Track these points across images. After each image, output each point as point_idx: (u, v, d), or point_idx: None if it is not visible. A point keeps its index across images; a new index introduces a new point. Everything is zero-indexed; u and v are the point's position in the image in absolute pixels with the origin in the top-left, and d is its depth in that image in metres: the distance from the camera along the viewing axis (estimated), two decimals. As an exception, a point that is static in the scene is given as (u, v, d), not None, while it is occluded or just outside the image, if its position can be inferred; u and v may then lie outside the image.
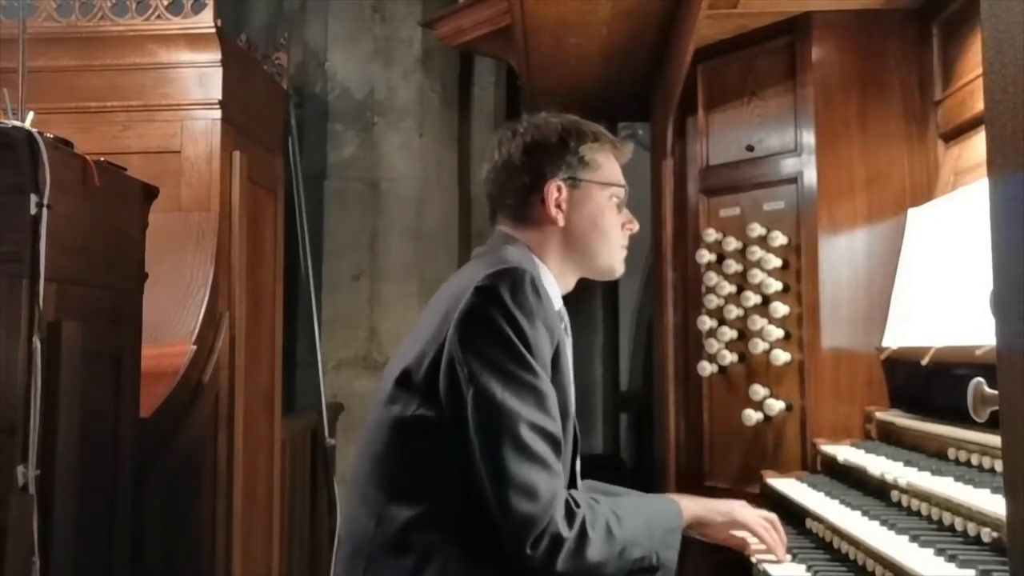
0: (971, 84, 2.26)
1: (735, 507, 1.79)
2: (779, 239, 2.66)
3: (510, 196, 1.76)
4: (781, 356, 2.61)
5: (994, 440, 1.74)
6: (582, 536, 1.51)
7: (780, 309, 2.62)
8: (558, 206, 1.73)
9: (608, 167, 1.79)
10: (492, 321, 1.54)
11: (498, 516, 1.50)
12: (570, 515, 1.51)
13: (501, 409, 1.50)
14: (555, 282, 1.74)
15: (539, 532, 1.48)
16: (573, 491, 1.58)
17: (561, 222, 1.73)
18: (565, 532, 1.50)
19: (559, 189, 1.73)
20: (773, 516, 1.85)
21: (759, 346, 2.64)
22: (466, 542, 1.54)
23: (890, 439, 2.29)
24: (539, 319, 1.55)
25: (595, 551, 1.53)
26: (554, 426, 1.55)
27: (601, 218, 1.76)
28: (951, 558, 1.46)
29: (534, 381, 1.53)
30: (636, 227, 1.82)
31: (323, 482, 4.30)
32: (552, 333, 1.58)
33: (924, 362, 2.09)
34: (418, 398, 1.58)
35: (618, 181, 1.80)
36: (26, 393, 2.02)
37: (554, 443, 1.54)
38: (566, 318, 1.76)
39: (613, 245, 1.78)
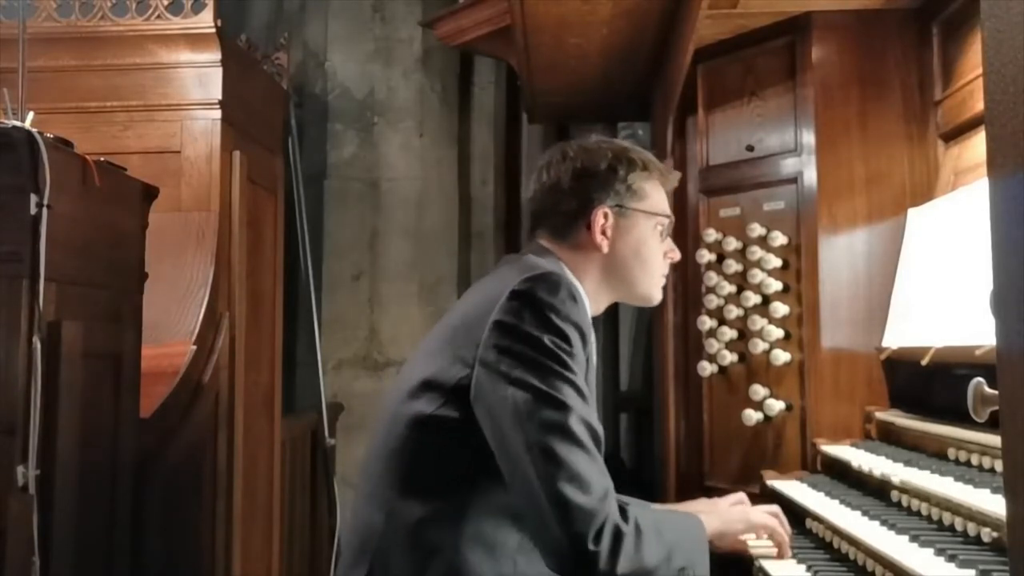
0: (971, 84, 2.26)
1: (749, 514, 1.79)
2: (779, 239, 2.66)
3: (556, 218, 1.77)
4: (781, 356, 2.61)
5: (994, 440, 1.74)
6: (638, 534, 1.48)
7: (780, 309, 2.62)
8: (603, 233, 1.73)
9: (655, 196, 1.79)
10: (528, 324, 1.53)
11: (551, 513, 1.44)
12: (623, 512, 1.49)
13: (545, 399, 1.48)
14: (589, 303, 1.73)
15: (599, 526, 1.44)
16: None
17: (605, 249, 1.74)
18: (624, 527, 1.46)
19: (606, 216, 1.73)
20: (776, 508, 1.87)
21: (759, 346, 2.64)
22: (475, 544, 1.54)
23: (890, 439, 2.29)
24: (573, 323, 1.55)
25: (650, 552, 1.49)
26: (595, 421, 1.54)
27: (645, 247, 1.77)
28: (951, 558, 1.46)
29: (573, 378, 1.52)
30: (678, 256, 1.84)
31: (323, 482, 4.30)
32: (586, 340, 1.58)
33: (924, 362, 2.09)
34: (443, 397, 1.57)
35: (664, 211, 1.80)
36: (26, 393, 2.02)
37: (598, 442, 1.52)
38: (594, 341, 1.75)
39: (654, 274, 1.79)
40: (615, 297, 1.81)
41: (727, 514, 1.78)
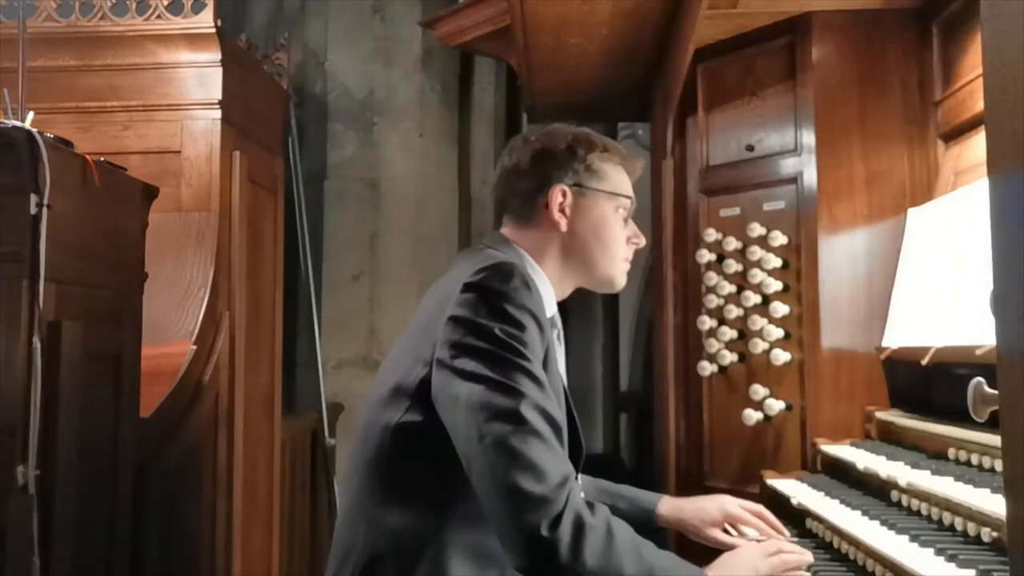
0: (971, 84, 2.27)
1: (759, 569, 1.62)
2: (779, 239, 2.66)
3: (516, 199, 1.76)
4: (781, 356, 2.61)
5: (994, 440, 1.74)
6: (610, 533, 1.42)
7: (780, 309, 2.62)
8: (562, 211, 1.72)
9: (616, 178, 1.78)
10: (481, 315, 1.51)
11: (506, 505, 1.40)
12: (591, 506, 1.44)
13: (500, 391, 1.44)
14: (551, 287, 1.73)
15: (556, 513, 1.38)
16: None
17: (564, 227, 1.72)
18: (588, 518, 1.41)
19: (564, 194, 1.72)
20: (783, 545, 1.74)
21: (759, 346, 2.64)
22: (456, 550, 1.52)
23: (890, 439, 2.29)
24: (528, 312, 1.53)
25: (627, 560, 1.42)
26: (555, 411, 1.49)
27: (604, 228, 1.75)
28: (951, 558, 1.46)
29: (528, 366, 1.48)
30: (642, 242, 1.81)
31: (323, 482, 4.30)
32: (542, 329, 1.56)
33: (924, 362, 2.09)
34: (407, 402, 1.55)
35: (626, 192, 1.79)
36: (26, 393, 2.02)
37: (556, 429, 1.48)
38: (559, 326, 1.75)
39: (615, 257, 1.77)
40: (578, 281, 1.79)
41: (735, 570, 1.63)
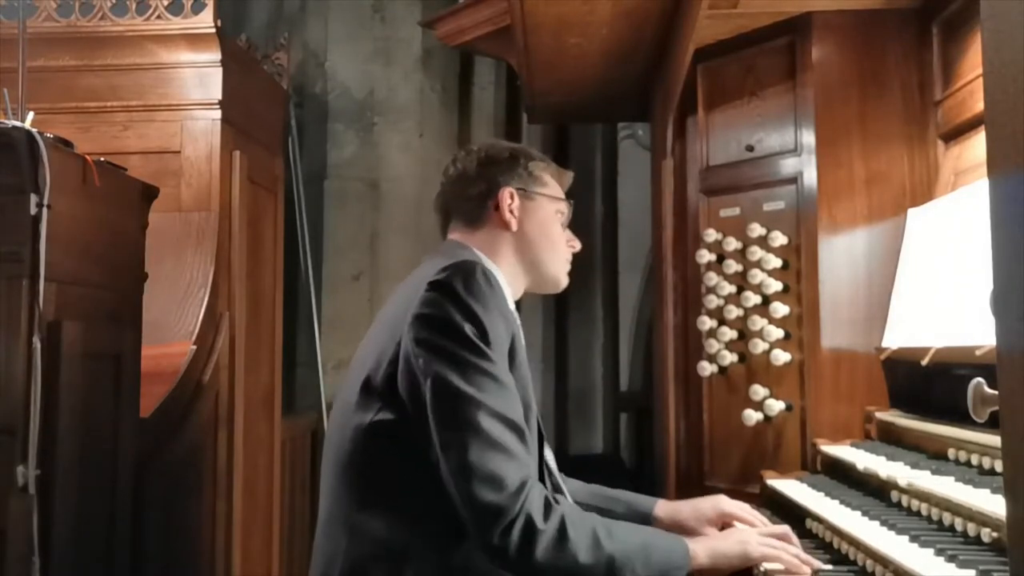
0: (971, 84, 2.26)
1: (748, 545, 1.69)
2: (779, 239, 2.66)
3: (465, 204, 1.86)
4: (781, 356, 2.60)
5: (994, 440, 1.74)
6: (562, 533, 1.48)
7: (780, 309, 2.62)
8: (511, 212, 1.83)
9: (554, 186, 1.91)
10: (446, 314, 1.55)
11: (465, 510, 1.49)
12: (548, 508, 1.49)
13: (458, 397, 1.50)
14: (507, 286, 1.78)
15: (508, 521, 1.46)
16: (558, 495, 1.57)
17: (514, 227, 1.83)
18: (540, 524, 1.47)
19: (512, 196, 1.84)
20: (784, 529, 1.80)
21: (759, 346, 2.64)
22: (440, 544, 1.54)
23: (890, 439, 2.29)
24: (494, 308, 1.58)
25: (578, 550, 1.49)
26: (515, 414, 1.54)
27: (550, 228, 1.87)
28: (951, 558, 1.46)
29: (492, 369, 1.54)
30: (578, 246, 1.93)
31: (323, 482, 4.30)
32: (508, 322, 1.61)
33: (924, 362, 2.09)
34: (378, 402, 1.59)
35: (563, 198, 1.92)
36: (26, 393, 2.02)
37: (517, 431, 1.53)
38: (518, 321, 1.77)
39: (560, 257, 1.89)
40: (528, 279, 1.87)
41: (720, 547, 1.69)
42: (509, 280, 1.81)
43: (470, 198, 1.85)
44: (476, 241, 1.83)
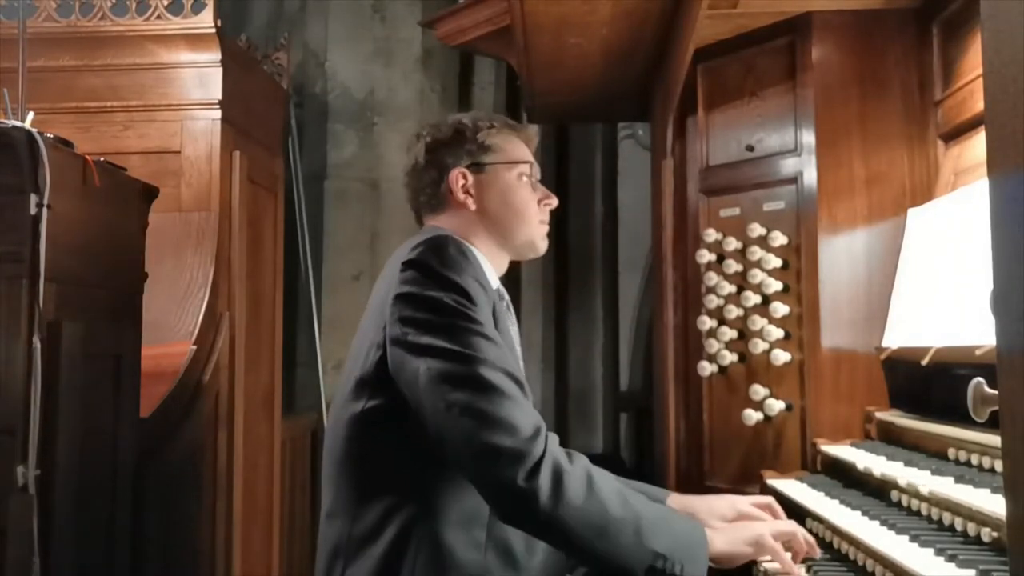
0: (971, 84, 2.26)
1: (761, 537, 1.63)
2: (779, 239, 2.66)
3: (423, 195, 1.84)
4: (781, 356, 2.61)
5: (994, 440, 1.74)
6: (590, 480, 1.45)
7: (780, 309, 2.62)
8: (467, 192, 1.80)
9: (511, 148, 1.85)
10: (425, 288, 1.55)
11: (483, 465, 1.44)
12: (570, 455, 1.48)
13: (455, 356, 1.49)
14: (489, 264, 1.77)
15: (533, 463, 1.42)
16: None
17: (472, 206, 1.80)
18: (567, 466, 1.44)
19: (464, 176, 1.80)
20: (792, 527, 1.75)
21: (759, 346, 2.64)
22: (441, 521, 1.54)
23: (890, 439, 2.29)
24: (469, 275, 1.58)
25: (607, 501, 1.44)
26: (514, 368, 1.54)
27: (512, 196, 1.81)
28: (951, 558, 1.46)
29: (480, 329, 1.53)
30: (555, 202, 1.87)
31: (323, 482, 4.30)
32: (487, 291, 1.61)
33: (924, 362, 2.09)
34: (368, 389, 1.59)
35: (523, 159, 1.85)
36: (26, 393, 2.02)
37: (519, 383, 1.52)
38: (507, 297, 1.79)
39: (530, 221, 1.83)
40: (505, 253, 1.84)
41: (737, 535, 1.64)
42: (488, 257, 1.79)
43: (425, 187, 1.83)
44: (446, 225, 1.80)
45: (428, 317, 1.53)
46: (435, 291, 1.54)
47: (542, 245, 1.86)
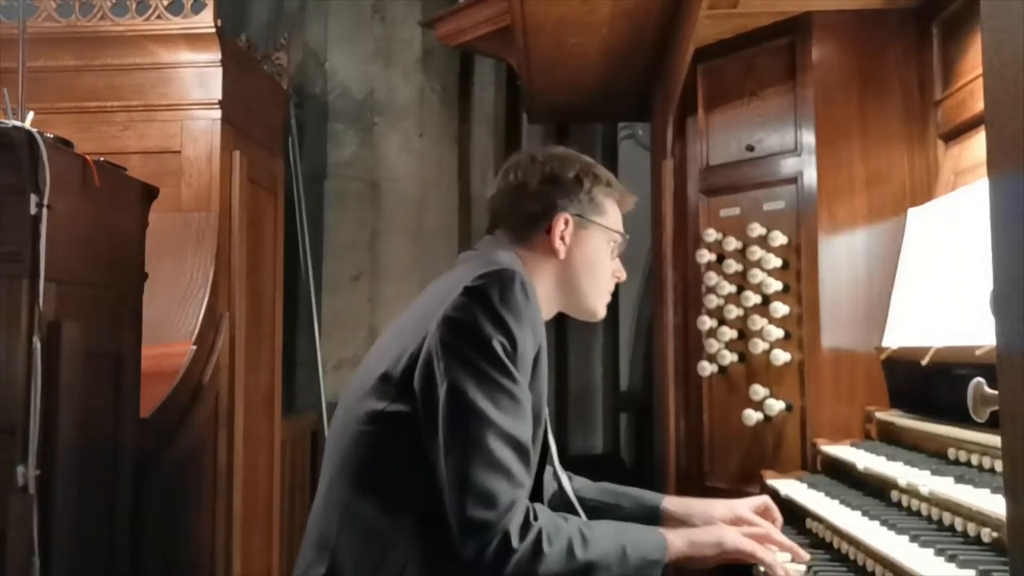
0: (971, 84, 2.26)
1: (724, 536, 1.71)
2: (779, 239, 2.66)
3: (517, 218, 1.79)
4: (781, 356, 2.61)
5: (994, 440, 1.74)
6: (536, 551, 1.50)
7: (780, 309, 2.62)
8: (562, 239, 1.77)
9: (613, 214, 1.84)
10: (477, 322, 1.53)
11: (453, 517, 1.49)
12: (525, 527, 1.50)
13: (471, 410, 1.50)
14: (544, 307, 1.73)
15: (488, 538, 1.47)
16: (538, 505, 1.56)
17: (562, 255, 1.77)
18: (516, 543, 1.48)
19: (567, 222, 1.77)
20: (767, 529, 1.81)
21: (759, 346, 2.64)
22: (430, 534, 1.55)
23: (890, 439, 2.29)
24: (527, 320, 1.56)
25: (550, 566, 1.51)
26: (524, 434, 1.54)
27: (599, 262, 1.81)
28: (951, 558, 1.46)
29: (510, 386, 1.52)
30: (623, 277, 1.88)
31: (323, 482, 4.29)
32: (536, 335, 1.59)
33: (924, 362, 2.09)
34: (394, 392, 1.58)
35: (620, 230, 1.85)
36: (26, 393, 2.02)
37: (522, 452, 1.53)
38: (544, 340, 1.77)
39: (602, 289, 1.84)
40: (562, 306, 1.83)
41: (698, 537, 1.70)
42: (547, 301, 1.76)
43: (524, 214, 1.78)
44: (523, 256, 1.76)
45: (467, 353, 1.52)
46: (484, 329, 1.53)
47: (601, 313, 1.87)
